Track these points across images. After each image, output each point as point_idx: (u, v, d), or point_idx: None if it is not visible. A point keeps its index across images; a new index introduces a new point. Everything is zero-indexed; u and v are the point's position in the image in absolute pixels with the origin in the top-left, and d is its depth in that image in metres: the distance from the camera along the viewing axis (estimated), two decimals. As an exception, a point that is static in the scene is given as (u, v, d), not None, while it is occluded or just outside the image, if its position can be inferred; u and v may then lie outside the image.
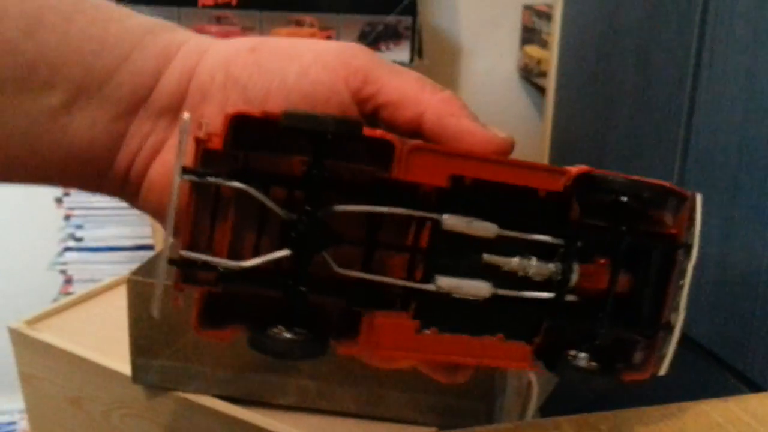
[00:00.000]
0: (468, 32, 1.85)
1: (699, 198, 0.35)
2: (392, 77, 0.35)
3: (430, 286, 0.33)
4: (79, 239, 1.58)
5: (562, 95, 1.41)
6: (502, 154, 0.34)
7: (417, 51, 1.60)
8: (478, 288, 0.33)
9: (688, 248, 0.35)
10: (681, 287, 0.35)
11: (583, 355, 0.35)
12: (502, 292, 0.34)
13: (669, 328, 0.36)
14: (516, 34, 1.84)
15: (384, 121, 0.35)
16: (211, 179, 0.31)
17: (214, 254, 0.32)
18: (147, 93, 0.35)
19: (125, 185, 0.36)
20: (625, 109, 1.12)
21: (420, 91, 0.35)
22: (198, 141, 0.31)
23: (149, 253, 0.70)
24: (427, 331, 0.33)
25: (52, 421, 0.84)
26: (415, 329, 0.33)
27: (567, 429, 0.46)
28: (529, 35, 1.79)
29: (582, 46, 1.31)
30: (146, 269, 0.72)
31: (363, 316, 0.33)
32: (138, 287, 0.70)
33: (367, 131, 0.32)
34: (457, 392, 0.67)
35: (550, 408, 0.93)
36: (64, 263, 1.58)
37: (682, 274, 0.35)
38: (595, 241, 0.34)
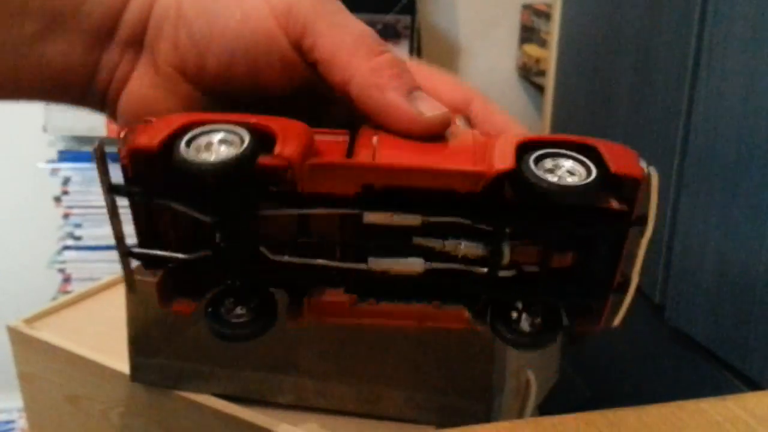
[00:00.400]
0: (467, 31, 1.85)
1: (654, 175, 0.31)
2: (330, 32, 0.33)
3: (362, 266, 0.33)
4: (78, 238, 1.58)
5: (561, 94, 1.41)
6: (427, 134, 0.32)
7: (416, 50, 1.60)
8: (411, 264, 0.33)
9: (642, 221, 0.32)
10: (636, 255, 0.33)
11: (525, 316, 0.34)
12: (435, 265, 0.33)
13: (621, 290, 0.33)
14: (515, 33, 1.85)
15: (321, 78, 0.34)
16: (136, 196, 0.31)
17: (165, 244, 0.33)
18: (114, 23, 0.35)
19: (104, 107, 0.37)
20: (624, 108, 1.12)
21: (352, 54, 0.33)
22: (125, 157, 0.31)
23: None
24: (364, 304, 0.34)
25: (50, 419, 0.84)
26: (350, 303, 0.34)
27: (565, 427, 0.46)
28: (528, 34, 1.79)
29: (581, 45, 1.31)
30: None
31: (303, 295, 0.34)
32: (137, 286, 0.70)
33: (262, 159, 0.29)
34: (455, 391, 0.67)
35: (548, 407, 0.93)
36: (63, 262, 1.58)
37: (636, 245, 0.33)
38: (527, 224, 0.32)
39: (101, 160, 0.31)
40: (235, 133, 0.30)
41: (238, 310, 0.33)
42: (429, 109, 0.32)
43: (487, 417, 0.67)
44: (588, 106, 1.28)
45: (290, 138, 0.30)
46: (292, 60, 0.34)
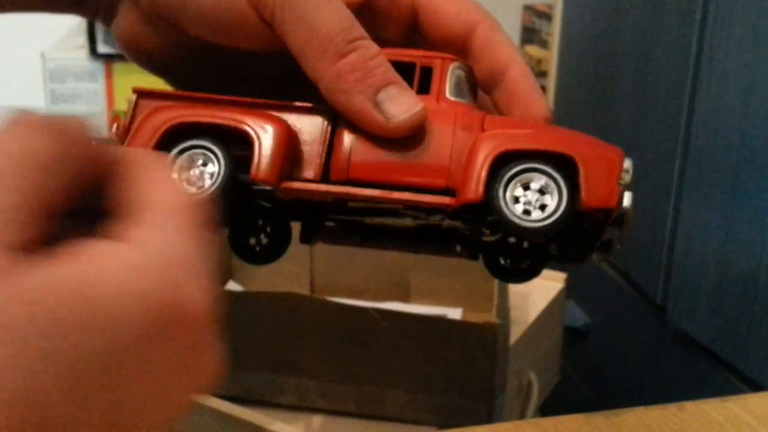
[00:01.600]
0: (468, 32, 1.85)
1: (629, 205, 0.31)
2: (297, 29, 0.32)
3: (358, 218, 0.35)
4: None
5: (562, 95, 1.41)
6: (396, 137, 0.32)
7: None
8: (402, 220, 0.35)
9: (619, 222, 0.32)
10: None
11: (512, 258, 0.36)
12: (423, 222, 0.34)
13: (605, 248, 0.35)
14: (516, 35, 1.85)
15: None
16: None
17: None
18: None
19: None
20: (625, 109, 1.12)
21: (317, 57, 0.32)
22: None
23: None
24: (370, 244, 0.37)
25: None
26: (358, 243, 0.37)
27: (566, 428, 0.46)
28: (529, 35, 1.79)
29: (582, 46, 1.31)
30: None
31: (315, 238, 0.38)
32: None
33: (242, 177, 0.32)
34: (457, 392, 0.67)
35: (550, 407, 0.93)
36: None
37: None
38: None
39: None
40: (211, 151, 0.32)
41: (257, 239, 0.37)
42: (399, 111, 0.32)
43: (489, 418, 0.67)
44: (589, 108, 1.28)
45: (266, 149, 0.32)
46: (268, 37, 0.33)
